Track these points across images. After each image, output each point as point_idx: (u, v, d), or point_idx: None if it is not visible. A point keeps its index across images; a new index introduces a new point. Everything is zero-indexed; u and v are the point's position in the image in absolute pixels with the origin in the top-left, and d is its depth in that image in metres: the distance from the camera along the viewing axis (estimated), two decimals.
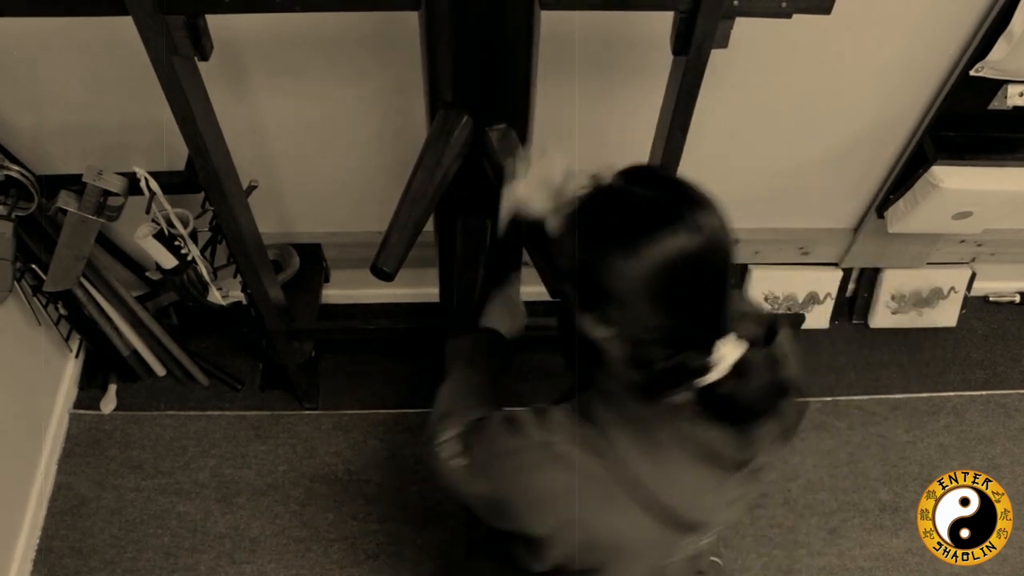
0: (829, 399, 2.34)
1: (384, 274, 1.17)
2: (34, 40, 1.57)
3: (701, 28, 1.17)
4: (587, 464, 0.91)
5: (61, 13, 1.16)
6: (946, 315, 2.48)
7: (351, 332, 2.27)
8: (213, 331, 2.34)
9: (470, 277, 1.45)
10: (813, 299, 2.41)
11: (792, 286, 2.38)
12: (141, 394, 2.28)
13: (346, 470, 2.15)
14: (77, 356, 2.29)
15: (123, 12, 1.12)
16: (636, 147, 1.62)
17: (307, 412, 2.25)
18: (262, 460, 2.17)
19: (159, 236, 1.78)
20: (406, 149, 1.85)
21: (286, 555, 2.03)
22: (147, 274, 2.04)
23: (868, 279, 2.46)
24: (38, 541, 2.03)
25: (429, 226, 1.32)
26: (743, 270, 2.37)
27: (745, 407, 0.88)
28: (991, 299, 2.58)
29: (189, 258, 1.84)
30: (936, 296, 2.44)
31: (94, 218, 1.68)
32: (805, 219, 2.22)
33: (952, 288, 2.43)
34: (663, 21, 1.24)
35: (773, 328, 0.96)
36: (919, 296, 2.44)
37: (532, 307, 1.48)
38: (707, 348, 0.85)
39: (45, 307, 1.99)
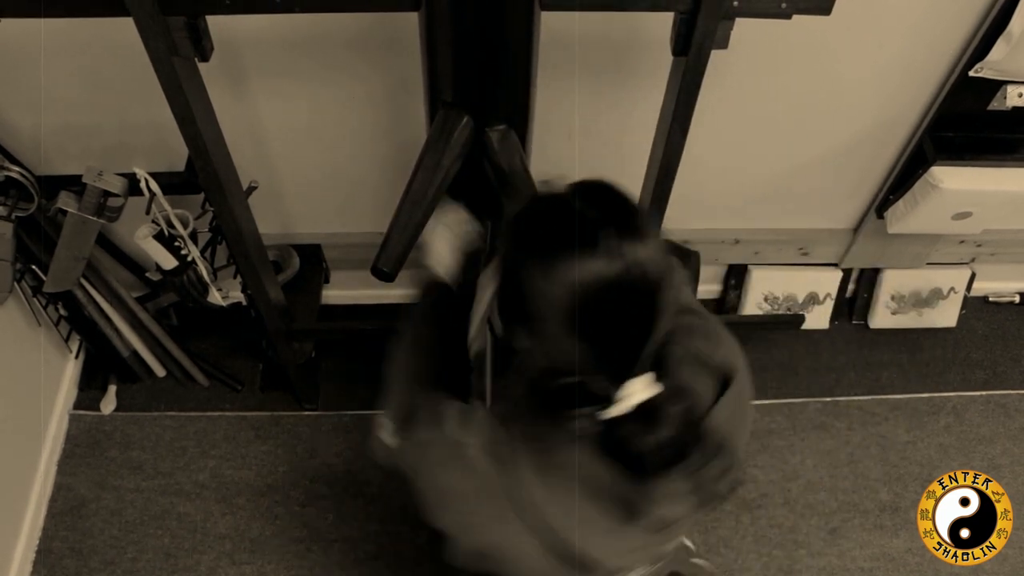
0: (829, 399, 2.34)
1: (384, 275, 1.17)
2: (34, 41, 1.57)
3: (701, 29, 1.17)
4: (489, 475, 0.88)
5: (62, 14, 1.16)
6: (946, 315, 2.48)
7: (351, 333, 2.27)
8: (213, 332, 2.33)
9: (469, 279, 1.45)
10: (813, 299, 2.41)
11: (792, 286, 2.38)
12: (141, 395, 2.28)
13: (346, 471, 2.15)
14: (77, 357, 2.29)
15: (123, 13, 1.12)
16: (636, 148, 1.62)
17: (307, 413, 2.25)
18: (262, 461, 2.17)
19: (159, 237, 1.78)
20: (406, 150, 1.86)
21: (286, 556, 2.03)
22: (147, 275, 2.04)
23: (868, 279, 2.46)
24: (38, 542, 2.03)
25: None
26: (743, 270, 2.37)
27: (637, 456, 0.82)
28: (991, 299, 2.58)
29: (189, 259, 1.85)
30: (936, 296, 2.44)
31: (94, 219, 1.68)
32: (805, 219, 2.23)
33: (952, 288, 2.43)
34: (663, 22, 1.24)
35: (725, 383, 0.92)
36: (919, 296, 2.44)
37: None
38: (616, 381, 0.80)
39: (45, 308, 1.99)
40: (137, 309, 2.07)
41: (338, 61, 1.66)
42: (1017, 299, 2.57)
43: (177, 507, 2.09)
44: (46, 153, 1.82)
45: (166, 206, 1.72)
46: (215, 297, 1.92)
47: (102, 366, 2.27)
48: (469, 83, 1.19)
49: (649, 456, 0.81)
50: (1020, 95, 1.72)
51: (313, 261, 2.19)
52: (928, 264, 2.39)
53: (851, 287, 2.49)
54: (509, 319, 0.85)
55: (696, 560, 1.34)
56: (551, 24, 1.21)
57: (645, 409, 0.80)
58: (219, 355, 2.33)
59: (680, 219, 2.02)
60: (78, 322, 2.09)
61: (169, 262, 1.85)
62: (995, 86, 1.74)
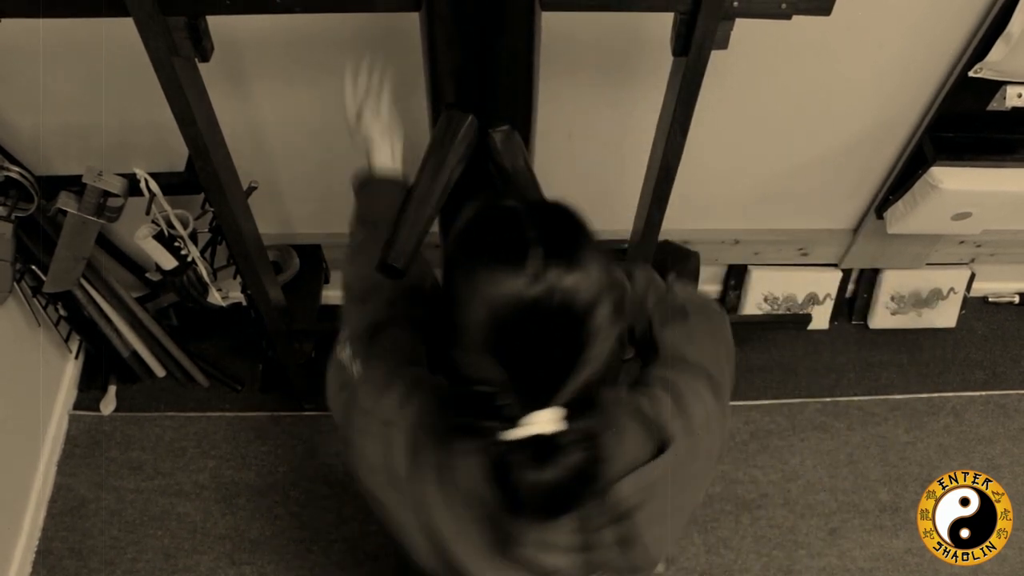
0: (829, 399, 2.34)
1: (394, 271, 1.14)
2: (34, 41, 1.57)
3: (701, 29, 1.17)
4: (403, 462, 0.88)
5: (62, 14, 1.17)
6: (945, 316, 2.49)
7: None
8: (213, 332, 2.33)
9: None
10: (813, 300, 2.41)
11: (792, 287, 2.39)
12: (141, 395, 2.28)
13: (346, 471, 2.15)
14: (77, 357, 2.29)
15: (124, 13, 1.12)
16: (636, 148, 1.62)
17: (307, 413, 2.25)
18: (262, 461, 2.17)
19: (159, 237, 1.78)
20: (406, 150, 1.86)
21: (286, 556, 2.03)
22: (147, 275, 2.04)
23: (867, 280, 2.46)
24: (38, 542, 2.03)
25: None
26: (743, 271, 2.37)
27: (514, 491, 0.78)
28: (990, 300, 2.58)
29: (189, 259, 1.85)
30: (935, 297, 2.44)
31: (94, 219, 1.68)
32: (804, 220, 2.23)
33: (951, 289, 2.43)
34: (663, 22, 1.24)
35: (662, 446, 0.87)
36: (918, 297, 2.44)
37: None
38: (526, 407, 0.77)
39: (45, 308, 1.99)
40: (137, 309, 2.07)
41: (338, 61, 1.66)
42: (1016, 299, 2.57)
43: (177, 507, 2.09)
44: (46, 153, 1.82)
45: (166, 206, 1.72)
46: (215, 297, 1.92)
47: (102, 366, 2.27)
48: (471, 83, 1.19)
49: (525, 493, 0.77)
50: (1019, 95, 1.72)
51: (313, 261, 2.19)
52: (928, 264, 2.39)
53: (851, 287, 2.49)
54: (442, 319, 0.82)
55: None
56: (550, 24, 1.21)
57: (540, 444, 0.76)
58: (219, 355, 2.33)
59: (680, 219, 2.02)
60: (78, 322, 2.09)
61: (169, 262, 1.85)
62: (994, 86, 1.74)
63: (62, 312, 2.05)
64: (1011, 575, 2.07)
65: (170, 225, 1.76)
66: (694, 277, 2.23)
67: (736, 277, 2.41)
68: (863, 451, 2.25)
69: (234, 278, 1.94)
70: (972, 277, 2.45)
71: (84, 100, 1.72)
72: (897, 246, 2.26)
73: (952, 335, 2.51)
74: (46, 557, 2.02)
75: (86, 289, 1.98)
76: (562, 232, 0.78)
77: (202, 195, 1.76)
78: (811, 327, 2.44)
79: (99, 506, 2.09)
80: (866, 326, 2.51)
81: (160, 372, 2.27)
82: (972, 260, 2.42)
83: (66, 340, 2.13)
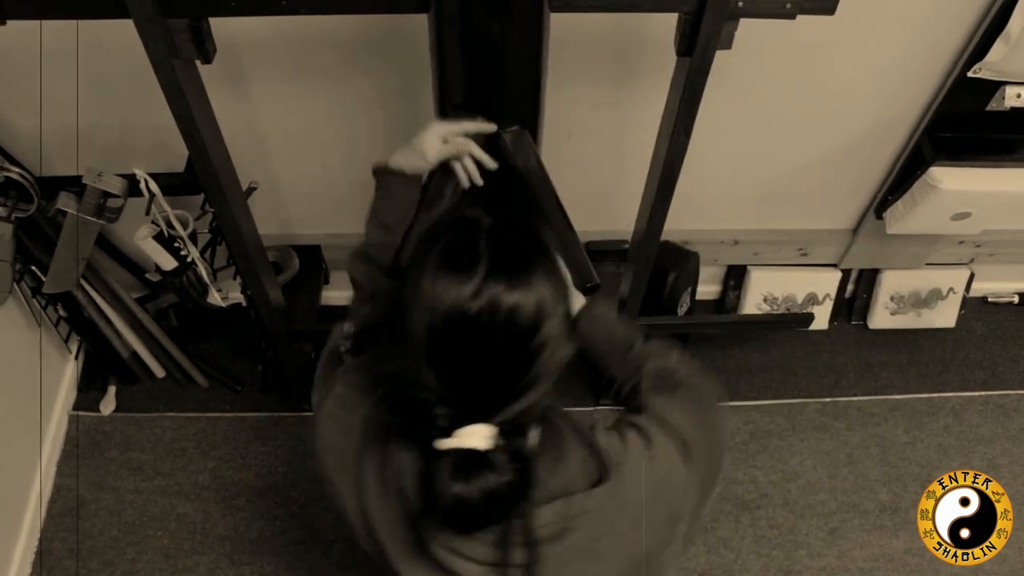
0: (828, 400, 2.35)
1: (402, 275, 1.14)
2: (35, 42, 1.57)
3: (706, 29, 1.17)
4: (353, 448, 0.90)
5: (62, 16, 1.17)
6: (945, 316, 2.49)
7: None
8: (213, 333, 2.33)
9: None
10: (812, 300, 2.42)
11: (791, 287, 2.39)
12: (140, 396, 2.28)
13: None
14: (77, 358, 2.29)
15: (124, 15, 1.12)
16: (638, 148, 1.62)
17: (307, 413, 2.25)
18: (262, 462, 2.17)
19: (159, 238, 1.78)
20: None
21: (286, 556, 2.03)
22: (147, 276, 2.03)
23: (867, 280, 2.46)
24: (37, 543, 2.03)
25: None
26: (742, 271, 2.38)
27: (431, 498, 0.78)
28: (990, 300, 2.59)
29: (189, 260, 1.85)
30: (935, 297, 2.44)
31: (94, 220, 1.68)
32: (804, 220, 2.23)
33: (951, 289, 2.44)
34: (667, 22, 1.24)
35: (601, 476, 0.85)
36: (918, 297, 2.44)
37: None
38: (462, 419, 0.77)
39: (45, 309, 1.99)
40: (137, 310, 2.06)
41: (338, 62, 1.66)
42: (1016, 299, 2.58)
43: (177, 508, 2.09)
44: (46, 154, 1.82)
45: (166, 207, 1.72)
46: (215, 298, 1.92)
47: (102, 367, 2.27)
48: (479, 85, 1.19)
49: (442, 504, 0.77)
50: (1018, 95, 1.73)
51: (313, 262, 2.19)
52: (927, 264, 2.39)
53: (850, 287, 2.49)
54: (394, 319, 0.82)
55: None
56: (553, 24, 1.21)
57: (467, 458, 0.76)
58: (219, 356, 2.33)
59: (679, 219, 2.01)
60: (78, 323, 2.09)
61: (169, 263, 1.85)
62: (993, 87, 1.74)
63: (62, 313, 2.05)
64: (1011, 575, 2.08)
65: (170, 226, 1.76)
66: (693, 277, 2.24)
67: (736, 277, 2.41)
68: (863, 451, 2.25)
69: (234, 279, 1.94)
70: (971, 277, 2.45)
71: (84, 101, 1.72)
72: (896, 246, 2.26)
73: (951, 335, 2.51)
74: (46, 557, 2.01)
75: (86, 290, 1.98)
76: (513, 249, 0.77)
77: (202, 196, 1.76)
78: (811, 327, 2.44)
79: (99, 506, 2.09)
80: (865, 326, 2.51)
81: (160, 373, 2.27)
82: (971, 260, 2.42)
83: (66, 341, 2.13)
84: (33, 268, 1.87)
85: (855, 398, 2.35)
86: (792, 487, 2.18)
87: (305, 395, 2.23)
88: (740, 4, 1.16)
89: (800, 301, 2.41)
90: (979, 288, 2.53)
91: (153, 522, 2.07)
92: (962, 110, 1.81)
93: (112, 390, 2.27)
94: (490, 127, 1.19)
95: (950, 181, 1.87)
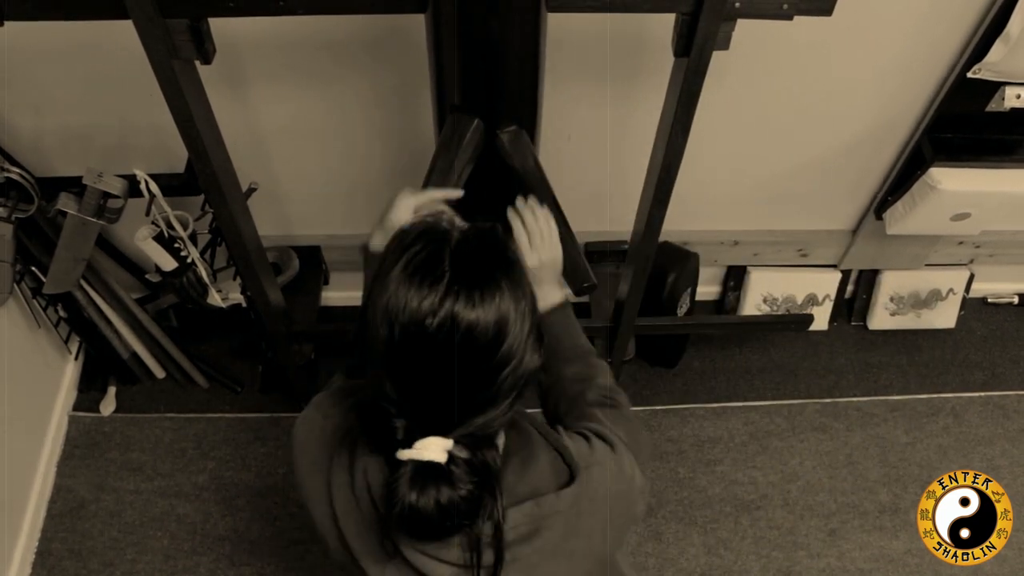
0: (828, 400, 2.35)
1: None
2: (35, 43, 1.57)
3: (703, 30, 1.17)
4: (325, 452, 0.90)
5: (62, 17, 1.17)
6: (945, 316, 2.49)
7: (351, 334, 2.27)
8: (212, 333, 2.33)
9: None
10: (812, 301, 2.42)
11: (791, 288, 2.39)
12: (140, 396, 2.28)
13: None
14: (77, 358, 2.29)
15: (123, 16, 1.12)
16: (636, 149, 1.62)
17: None
18: (262, 462, 2.17)
19: (159, 238, 1.78)
20: (405, 151, 1.87)
21: (286, 557, 2.03)
22: (147, 276, 2.04)
23: (867, 281, 2.46)
24: (37, 543, 2.03)
25: None
26: (742, 272, 2.38)
27: (390, 506, 0.78)
28: (990, 300, 2.59)
29: (189, 260, 1.85)
30: (935, 297, 2.44)
31: (94, 220, 1.69)
32: (804, 221, 2.23)
33: (951, 290, 2.44)
34: (664, 23, 1.24)
35: (570, 478, 0.86)
36: (918, 298, 2.44)
37: None
38: (420, 431, 0.77)
39: (45, 309, 1.99)
40: (137, 311, 2.06)
41: (338, 63, 1.67)
42: (1016, 300, 2.58)
43: (177, 509, 2.09)
44: (46, 155, 1.82)
45: (166, 208, 1.72)
46: (215, 299, 1.92)
47: (102, 368, 2.27)
48: (477, 86, 1.19)
49: (400, 513, 0.77)
50: (1018, 96, 1.73)
51: (312, 263, 2.19)
52: (927, 265, 2.39)
53: (850, 288, 2.49)
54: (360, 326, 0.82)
55: None
56: (551, 24, 1.21)
57: (425, 470, 0.76)
58: (219, 357, 2.33)
59: (679, 220, 2.02)
60: (78, 324, 2.09)
61: (169, 264, 1.85)
62: (993, 87, 1.74)
63: (62, 313, 2.05)
64: (1011, 575, 2.08)
65: (170, 226, 1.76)
66: (693, 278, 2.24)
67: (735, 278, 2.41)
68: (862, 452, 2.25)
69: (234, 279, 1.94)
70: (971, 278, 2.45)
71: (84, 102, 1.73)
72: (896, 247, 2.26)
73: (951, 336, 2.51)
74: (46, 558, 2.01)
75: (86, 290, 1.98)
76: (478, 265, 0.76)
77: (202, 196, 1.76)
78: (811, 328, 2.44)
79: (99, 507, 2.09)
80: (865, 327, 2.51)
81: (160, 373, 2.27)
82: (971, 261, 2.42)
83: (66, 341, 2.14)
84: (33, 269, 1.87)
85: (855, 399, 2.35)
86: (792, 488, 2.18)
87: (305, 396, 2.23)
88: (737, 5, 1.16)
89: (800, 302, 2.41)
90: (979, 289, 2.53)
91: (153, 523, 2.07)
92: (962, 111, 1.81)
93: (112, 391, 2.27)
94: (458, 193, 1.17)
95: (950, 182, 1.87)
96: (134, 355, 2.19)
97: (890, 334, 2.50)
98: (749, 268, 2.36)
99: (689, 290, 2.23)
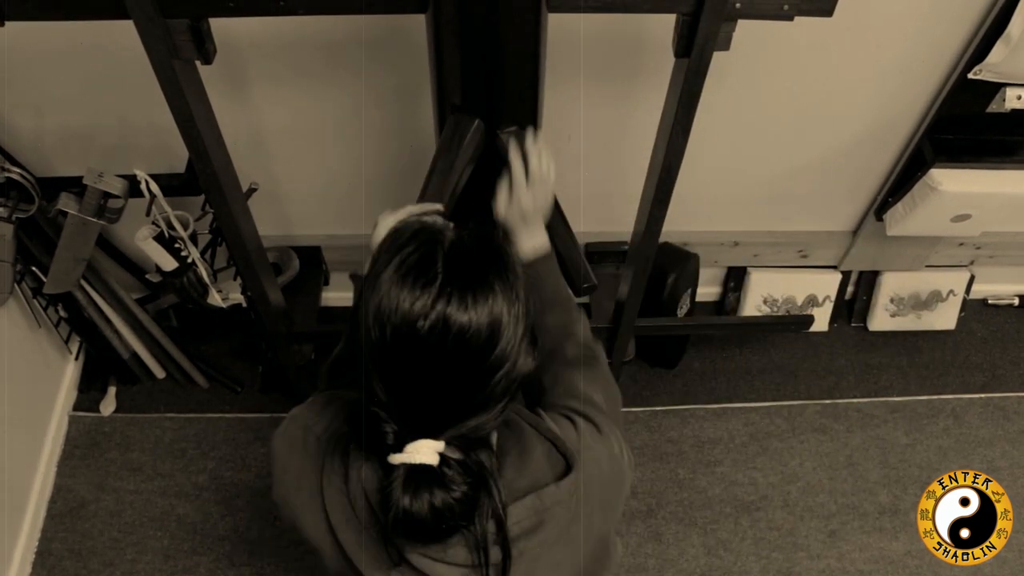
0: (828, 401, 2.35)
1: None
2: (35, 43, 1.57)
3: (703, 30, 1.17)
4: (313, 464, 0.88)
5: (62, 17, 1.17)
6: (945, 318, 2.49)
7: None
8: (213, 334, 2.33)
9: None
10: (812, 302, 2.42)
11: (791, 289, 2.39)
12: (141, 396, 2.28)
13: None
14: (77, 358, 2.29)
15: (124, 16, 1.12)
16: (637, 149, 1.62)
17: None
18: (262, 462, 2.17)
19: (159, 238, 1.78)
20: (405, 151, 1.87)
21: (285, 557, 2.03)
22: (147, 276, 2.04)
23: (867, 282, 2.46)
24: (37, 543, 2.03)
25: None
26: (742, 273, 2.38)
27: (385, 510, 0.78)
28: (990, 302, 2.59)
29: (189, 260, 1.85)
30: (935, 299, 2.44)
31: (94, 220, 1.69)
32: (804, 222, 2.23)
33: (951, 291, 2.44)
34: (665, 23, 1.25)
35: (567, 467, 0.86)
36: (918, 299, 2.44)
37: None
38: (411, 434, 0.77)
39: (45, 309, 2.00)
40: (137, 311, 2.07)
41: (338, 63, 1.67)
42: (1016, 302, 2.58)
43: (176, 509, 2.09)
44: (47, 155, 1.82)
45: (166, 208, 1.72)
46: (215, 299, 1.92)
47: (102, 368, 2.27)
48: (478, 86, 1.19)
49: (394, 517, 0.77)
50: (1019, 97, 1.73)
51: (313, 263, 2.19)
52: (927, 266, 2.39)
53: (850, 289, 2.49)
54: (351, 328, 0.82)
55: None
56: (552, 24, 1.21)
57: (417, 474, 0.76)
58: (219, 357, 2.33)
59: (679, 221, 2.02)
60: (78, 324, 2.09)
61: (169, 264, 1.85)
62: (994, 88, 1.74)
63: (62, 313, 2.05)
64: None
65: (170, 226, 1.77)
66: (693, 279, 2.24)
67: (736, 279, 2.41)
68: (862, 453, 2.25)
69: (234, 279, 1.94)
70: (971, 279, 2.45)
71: (84, 102, 1.73)
72: (896, 248, 2.26)
73: (951, 337, 2.51)
74: (46, 558, 2.01)
75: (86, 290, 1.98)
76: (471, 268, 0.75)
77: (202, 197, 1.76)
78: (811, 329, 2.44)
79: (99, 507, 2.09)
80: (865, 328, 2.51)
81: (160, 373, 2.27)
82: (971, 262, 2.42)
83: (66, 341, 2.14)
84: (34, 269, 1.87)
85: (855, 400, 2.35)
86: (792, 489, 2.18)
87: (305, 396, 2.23)
88: (738, 5, 1.16)
89: (800, 303, 2.41)
90: (979, 290, 2.53)
91: (153, 523, 2.07)
92: (962, 112, 1.81)
93: (112, 391, 2.27)
94: (437, 207, 1.17)
95: (950, 183, 1.87)
96: (134, 355, 2.19)
97: (890, 335, 2.50)
98: (749, 269, 2.36)
99: (689, 291, 2.23)
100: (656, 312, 2.13)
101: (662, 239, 1.63)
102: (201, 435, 2.21)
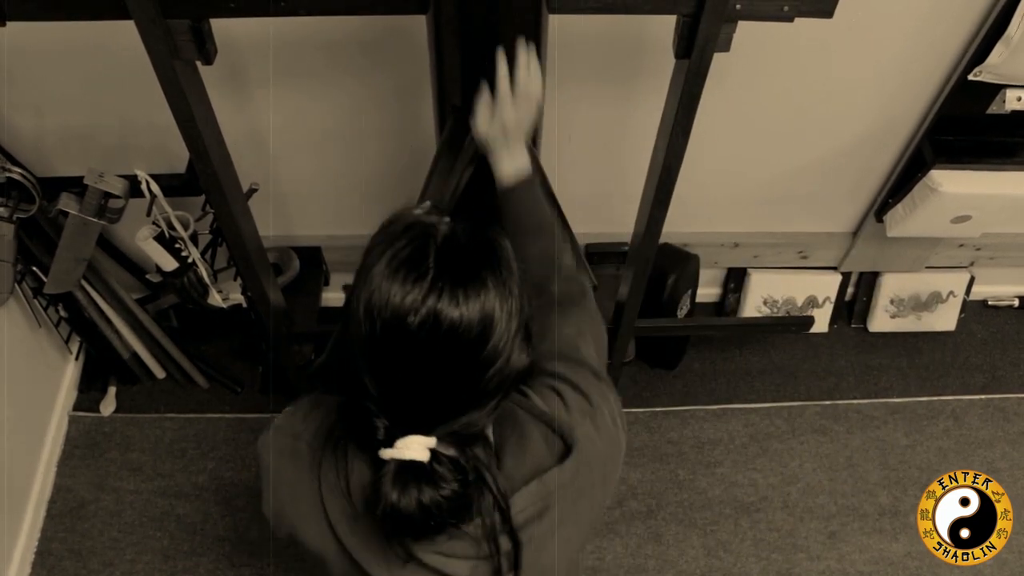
0: (828, 403, 2.34)
1: None
2: (36, 43, 1.57)
3: (704, 32, 1.17)
4: (307, 472, 0.87)
5: (64, 17, 1.17)
6: (945, 319, 2.49)
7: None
8: (213, 334, 2.33)
9: None
10: (812, 303, 2.41)
11: (791, 290, 2.39)
12: (141, 396, 2.28)
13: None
14: (77, 358, 2.29)
15: (125, 16, 1.12)
16: (637, 150, 1.62)
17: None
18: None
19: (160, 238, 1.78)
20: (406, 152, 1.87)
21: (285, 558, 2.03)
22: (147, 276, 2.04)
23: (867, 283, 2.46)
24: (37, 543, 2.03)
25: None
26: (742, 274, 2.38)
27: (376, 508, 0.76)
28: (990, 303, 2.59)
29: (189, 260, 1.85)
30: (935, 300, 2.44)
31: (95, 220, 1.69)
32: (804, 223, 2.23)
33: (951, 292, 2.44)
34: (665, 24, 1.25)
35: (566, 451, 0.86)
36: (918, 300, 2.44)
37: None
38: (402, 430, 0.76)
39: (45, 309, 2.00)
40: (137, 311, 2.07)
41: (339, 64, 1.67)
42: (1016, 303, 2.58)
43: (176, 509, 2.09)
44: (47, 155, 1.82)
45: (167, 208, 1.72)
46: (215, 299, 1.92)
47: (102, 368, 2.27)
48: (478, 86, 1.19)
49: (385, 514, 0.76)
50: (1019, 99, 1.73)
51: (313, 263, 2.19)
52: (927, 268, 2.39)
53: (850, 291, 2.49)
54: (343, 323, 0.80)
55: None
56: (552, 26, 1.22)
57: (408, 470, 0.75)
58: (219, 357, 2.33)
59: (679, 222, 2.02)
60: (78, 324, 2.09)
61: (169, 264, 1.85)
62: (994, 90, 1.74)
63: (63, 313, 2.05)
64: None
65: (171, 227, 1.77)
66: (693, 280, 2.24)
67: (736, 280, 2.41)
68: (862, 454, 2.25)
69: (234, 280, 1.94)
70: (972, 280, 2.45)
71: (85, 102, 1.73)
72: (896, 249, 2.26)
73: (951, 338, 2.51)
74: (45, 558, 2.01)
75: (87, 290, 1.98)
76: (464, 263, 0.74)
77: (203, 197, 1.76)
78: (811, 330, 2.44)
79: (98, 507, 2.09)
80: (865, 329, 2.51)
81: (160, 373, 2.27)
82: (972, 263, 2.42)
83: (66, 341, 2.14)
84: (34, 269, 1.87)
85: (855, 401, 2.35)
86: (792, 490, 2.18)
87: None
88: (738, 7, 1.16)
89: (800, 304, 2.41)
90: (979, 291, 2.53)
91: (153, 523, 2.07)
92: (963, 113, 1.81)
93: (112, 391, 2.27)
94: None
95: (950, 184, 1.87)
96: (134, 355, 2.19)
97: (890, 336, 2.50)
98: (749, 270, 2.36)
99: (689, 292, 2.23)
100: (656, 313, 2.13)
101: (662, 240, 1.63)
102: (201, 435, 2.21)
